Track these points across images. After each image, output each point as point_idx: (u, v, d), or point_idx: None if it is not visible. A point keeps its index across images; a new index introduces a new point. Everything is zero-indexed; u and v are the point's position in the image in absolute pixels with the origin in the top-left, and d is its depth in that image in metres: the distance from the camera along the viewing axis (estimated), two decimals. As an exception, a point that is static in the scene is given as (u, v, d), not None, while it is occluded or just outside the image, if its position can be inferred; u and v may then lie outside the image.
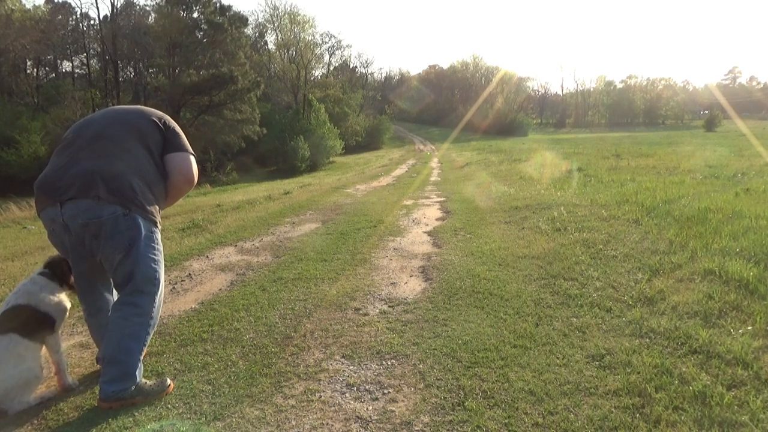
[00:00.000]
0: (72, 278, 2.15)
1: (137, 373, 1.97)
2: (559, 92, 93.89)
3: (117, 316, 1.98)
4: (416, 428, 1.78)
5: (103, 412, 1.91)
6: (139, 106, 2.17)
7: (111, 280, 2.13)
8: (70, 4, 44.27)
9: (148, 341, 2.07)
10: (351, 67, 66.28)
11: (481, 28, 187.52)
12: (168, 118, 2.15)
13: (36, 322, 1.99)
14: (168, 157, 2.07)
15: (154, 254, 2.04)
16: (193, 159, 2.14)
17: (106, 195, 1.88)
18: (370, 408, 1.92)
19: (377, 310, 2.97)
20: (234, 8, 32.94)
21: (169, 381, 2.06)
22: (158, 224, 2.09)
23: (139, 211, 1.96)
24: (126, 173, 1.94)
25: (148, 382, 2.02)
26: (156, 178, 2.06)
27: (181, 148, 2.11)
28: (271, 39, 52.56)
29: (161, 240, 2.15)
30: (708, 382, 1.94)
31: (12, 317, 1.95)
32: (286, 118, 37.01)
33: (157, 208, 2.08)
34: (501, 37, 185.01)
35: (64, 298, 2.15)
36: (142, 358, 2.03)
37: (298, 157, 31.79)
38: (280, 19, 48.90)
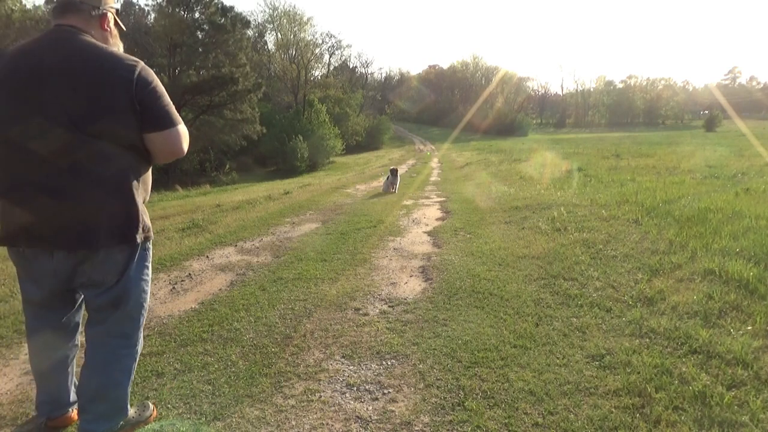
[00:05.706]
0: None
1: (128, 404, 1.75)
2: (559, 92, 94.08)
3: (105, 351, 1.68)
4: (416, 428, 1.78)
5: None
6: (92, 57, 1.52)
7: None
8: (70, 4, 44.13)
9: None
10: (351, 67, 66.43)
11: (481, 28, 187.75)
12: (140, 72, 1.57)
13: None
14: (148, 138, 1.62)
15: (146, 275, 1.76)
16: (180, 130, 1.68)
17: (105, 240, 1.57)
18: (370, 408, 1.92)
19: (377, 310, 2.97)
20: (235, 9, 32.96)
21: (151, 406, 1.88)
22: (151, 236, 1.77)
23: (135, 233, 1.64)
24: (113, 200, 1.58)
25: (131, 410, 1.79)
26: (143, 172, 1.70)
27: (163, 124, 1.63)
28: (270, 39, 52.64)
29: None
30: (708, 382, 1.94)
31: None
32: (286, 119, 37.02)
33: (148, 221, 1.73)
34: (501, 37, 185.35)
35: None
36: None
37: (297, 157, 31.84)
38: (280, 19, 49.01)
